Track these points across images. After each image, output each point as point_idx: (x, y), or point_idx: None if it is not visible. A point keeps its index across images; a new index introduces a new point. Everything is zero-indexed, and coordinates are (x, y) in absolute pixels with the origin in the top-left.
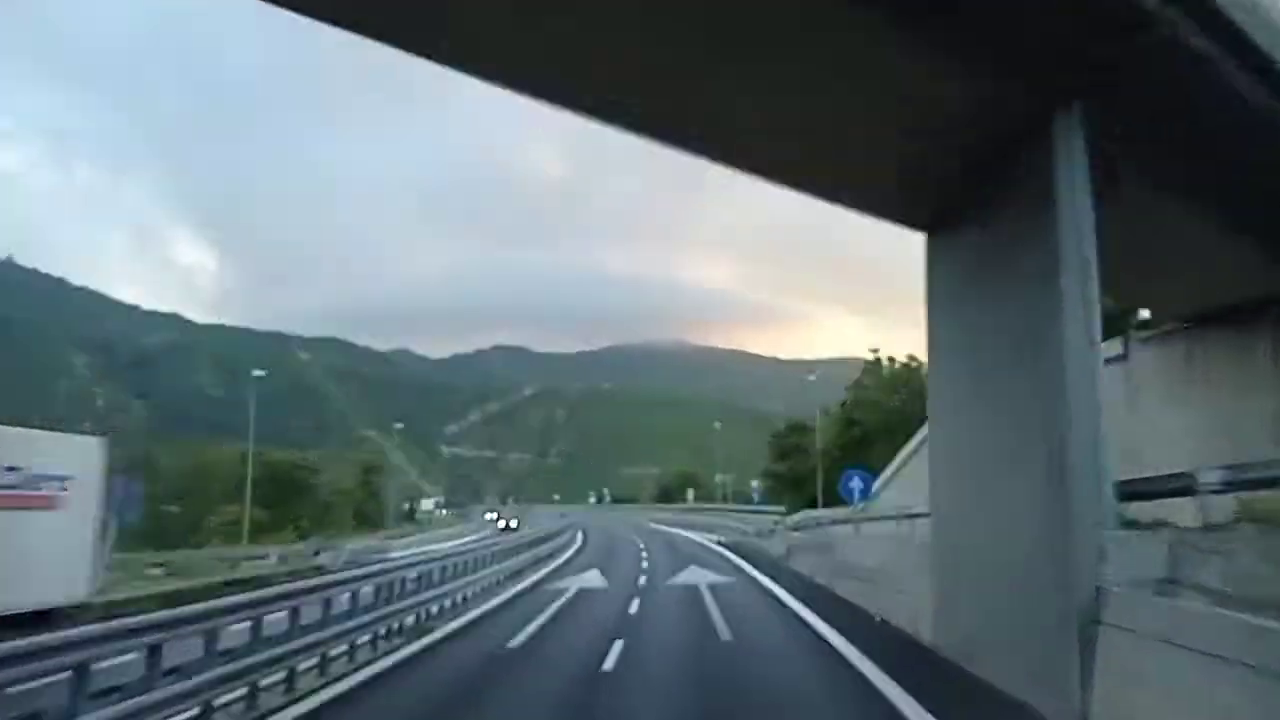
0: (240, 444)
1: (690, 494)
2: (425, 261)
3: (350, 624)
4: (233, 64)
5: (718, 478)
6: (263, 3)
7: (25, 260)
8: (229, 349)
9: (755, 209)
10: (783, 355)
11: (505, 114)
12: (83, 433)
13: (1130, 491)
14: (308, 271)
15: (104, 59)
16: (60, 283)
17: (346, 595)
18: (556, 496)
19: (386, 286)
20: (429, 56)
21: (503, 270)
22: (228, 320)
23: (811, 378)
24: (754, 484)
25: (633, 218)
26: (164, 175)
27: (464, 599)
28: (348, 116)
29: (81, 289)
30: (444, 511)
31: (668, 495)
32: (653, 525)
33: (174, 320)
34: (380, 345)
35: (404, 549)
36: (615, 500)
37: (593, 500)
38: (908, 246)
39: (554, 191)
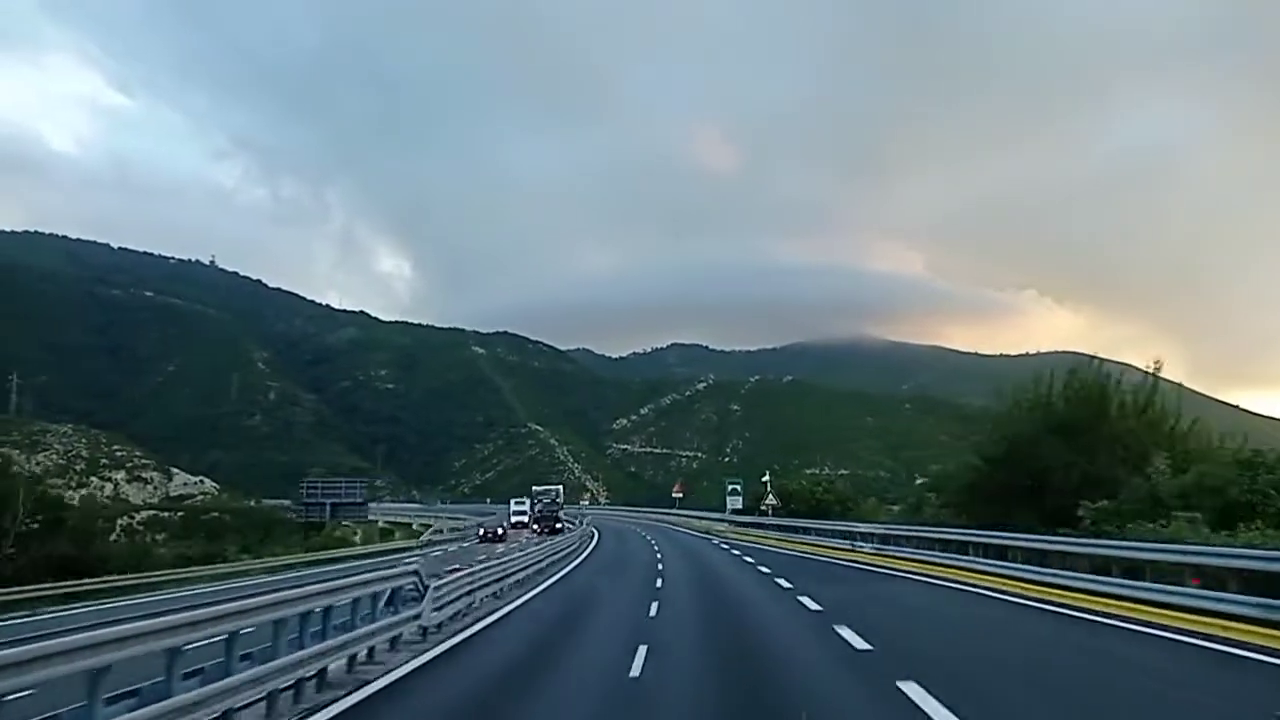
0: (394, 429)
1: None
2: (603, 260)
3: None
4: (412, 77)
5: None
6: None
7: (227, 264)
8: (409, 345)
9: (947, 191)
10: (984, 350)
11: (678, 107)
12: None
13: None
14: (490, 271)
15: (302, 79)
16: (258, 284)
17: None
18: (678, 495)
19: (566, 286)
20: None
21: (681, 268)
22: (412, 318)
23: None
24: None
25: (814, 207)
26: (356, 184)
27: None
28: (522, 119)
29: (276, 290)
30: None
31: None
32: None
33: (360, 318)
34: (559, 344)
35: None
36: (763, 515)
37: (738, 503)
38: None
39: (730, 184)
